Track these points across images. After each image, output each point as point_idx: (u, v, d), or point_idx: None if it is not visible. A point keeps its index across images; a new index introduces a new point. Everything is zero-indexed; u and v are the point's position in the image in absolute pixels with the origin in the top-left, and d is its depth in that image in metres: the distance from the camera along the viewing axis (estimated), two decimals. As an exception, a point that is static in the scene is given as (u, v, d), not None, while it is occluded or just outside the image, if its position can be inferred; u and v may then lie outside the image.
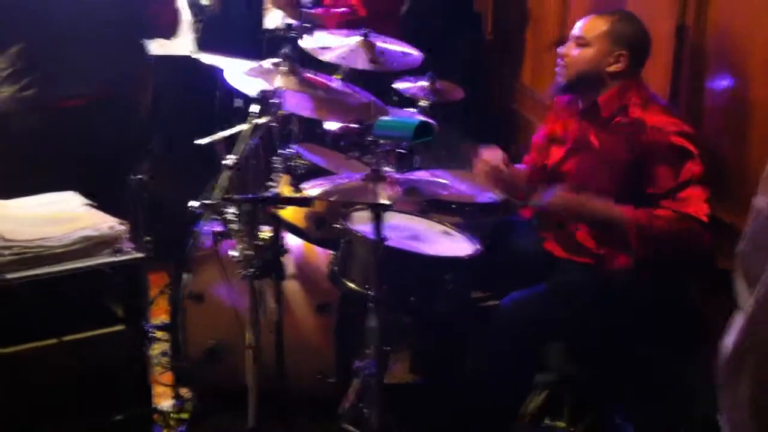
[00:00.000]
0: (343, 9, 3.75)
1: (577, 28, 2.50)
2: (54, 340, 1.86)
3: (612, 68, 2.42)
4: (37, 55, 2.57)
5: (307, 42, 3.00)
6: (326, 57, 2.95)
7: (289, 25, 3.97)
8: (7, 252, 1.79)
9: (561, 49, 2.53)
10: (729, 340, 1.13)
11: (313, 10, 3.69)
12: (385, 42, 3.02)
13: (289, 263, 2.64)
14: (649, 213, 2.29)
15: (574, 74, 2.48)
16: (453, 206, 2.85)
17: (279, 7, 3.96)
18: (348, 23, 3.60)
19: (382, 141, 2.60)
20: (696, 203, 2.26)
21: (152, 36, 2.88)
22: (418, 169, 2.91)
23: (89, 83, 2.62)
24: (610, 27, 2.43)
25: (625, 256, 2.41)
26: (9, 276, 1.77)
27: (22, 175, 2.51)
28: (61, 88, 2.59)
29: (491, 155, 2.59)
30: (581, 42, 2.47)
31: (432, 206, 2.81)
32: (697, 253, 2.31)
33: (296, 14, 3.62)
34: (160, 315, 3.06)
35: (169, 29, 2.91)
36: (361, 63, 2.93)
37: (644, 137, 2.33)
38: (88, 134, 2.59)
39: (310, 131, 3.25)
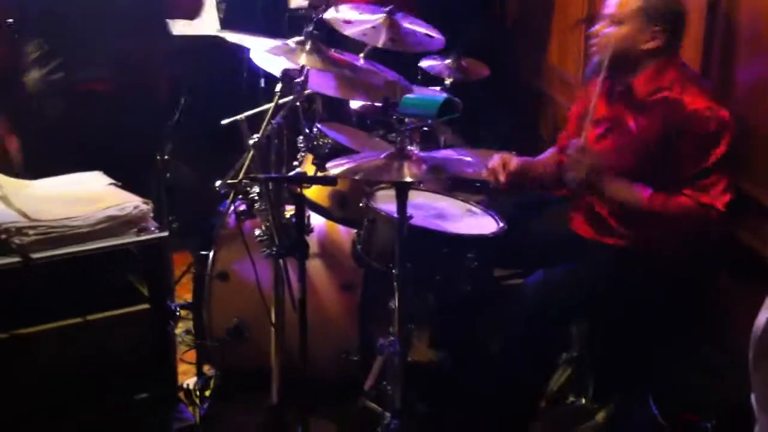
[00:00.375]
0: None
1: (611, 5, 2.44)
2: (79, 320, 1.87)
3: (648, 45, 2.37)
4: (62, 40, 2.59)
5: (330, 15, 2.96)
6: (348, 32, 2.92)
7: (312, 5, 3.96)
8: (32, 231, 1.80)
9: (595, 28, 2.49)
10: (762, 317, 1.11)
11: None
12: (411, 23, 2.98)
13: (312, 242, 2.64)
14: (666, 198, 2.28)
15: (610, 53, 2.42)
16: (477, 185, 2.84)
17: None
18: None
19: (407, 119, 2.59)
20: (715, 191, 2.24)
21: (175, 17, 2.88)
22: (445, 148, 2.90)
23: (114, 66, 2.63)
24: (644, 3, 2.37)
25: (648, 238, 2.38)
26: (34, 255, 1.79)
27: (51, 156, 2.53)
28: (87, 72, 2.61)
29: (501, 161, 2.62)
30: (615, 19, 2.42)
31: (456, 185, 2.80)
32: (711, 239, 2.31)
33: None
34: (184, 294, 3.09)
35: (191, 10, 2.91)
36: (382, 41, 2.88)
37: (678, 118, 2.29)
38: (114, 116, 2.61)
39: (334, 110, 3.24)
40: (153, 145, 2.85)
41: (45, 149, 2.61)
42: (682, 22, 2.41)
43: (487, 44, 4.04)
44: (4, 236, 1.78)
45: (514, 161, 2.63)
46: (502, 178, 2.61)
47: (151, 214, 1.98)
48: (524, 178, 2.66)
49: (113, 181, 2.14)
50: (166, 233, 1.96)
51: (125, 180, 2.19)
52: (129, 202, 1.96)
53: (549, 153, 2.80)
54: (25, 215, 1.85)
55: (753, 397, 1.15)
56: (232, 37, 2.67)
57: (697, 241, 2.34)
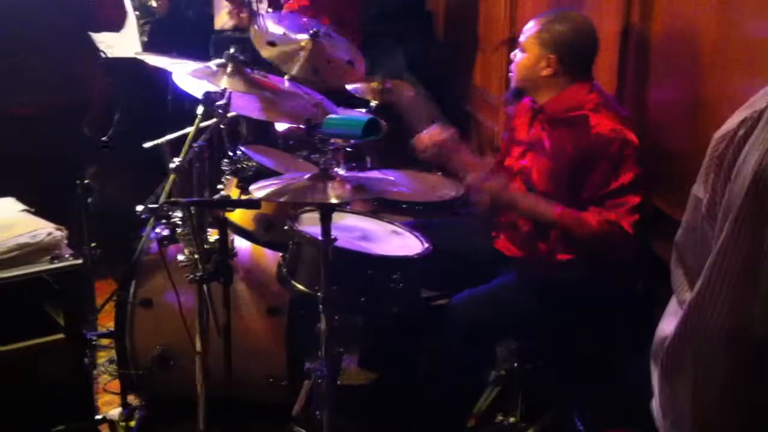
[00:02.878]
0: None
1: (522, 31, 2.51)
2: (-8, 350, 1.80)
3: (544, 72, 2.43)
4: None
5: (254, 34, 2.92)
6: (269, 56, 2.89)
7: (237, 27, 3.94)
8: (-60, 260, 1.73)
9: (512, 54, 2.55)
10: (666, 327, 1.13)
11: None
12: (334, 45, 2.96)
13: (237, 266, 2.61)
14: (575, 216, 2.33)
15: (518, 80, 2.52)
16: (403, 206, 2.85)
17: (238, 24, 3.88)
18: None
19: (331, 140, 2.59)
20: (624, 212, 2.30)
21: (99, 30, 2.83)
22: (370, 169, 2.90)
23: (38, 91, 2.56)
24: (539, 31, 2.44)
25: (563, 253, 2.43)
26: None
27: None
28: (10, 97, 2.53)
29: (436, 130, 2.65)
30: (521, 47, 2.50)
31: (382, 206, 2.81)
32: (621, 256, 2.36)
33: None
34: (108, 322, 3.00)
35: (115, 23, 2.86)
36: (303, 71, 2.85)
37: (584, 140, 2.35)
38: (37, 140, 2.55)
39: (259, 132, 3.22)
40: (74, 169, 2.77)
41: None
42: (581, 47, 2.44)
43: (419, 64, 4.10)
44: None
45: (447, 133, 2.67)
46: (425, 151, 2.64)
47: (66, 241, 1.92)
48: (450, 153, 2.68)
49: (26, 208, 2.08)
50: (80, 260, 1.91)
51: (48, 205, 2.13)
52: (42, 229, 1.91)
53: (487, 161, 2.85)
54: (-68, 244, 1.78)
55: (655, 403, 1.18)
56: (153, 59, 2.63)
57: (608, 257, 2.38)
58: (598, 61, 2.51)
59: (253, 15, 3.50)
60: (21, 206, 2.09)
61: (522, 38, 2.49)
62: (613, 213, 2.29)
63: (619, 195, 2.30)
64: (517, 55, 2.50)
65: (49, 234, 1.89)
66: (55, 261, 1.87)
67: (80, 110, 2.76)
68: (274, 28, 2.90)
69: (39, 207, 2.11)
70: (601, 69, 2.60)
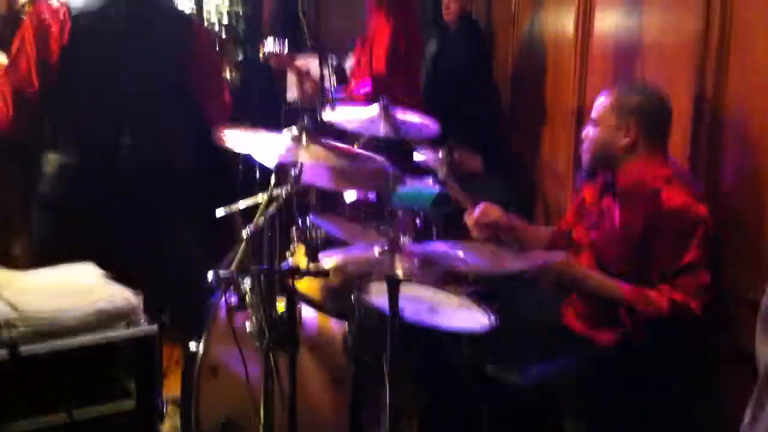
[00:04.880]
0: (365, 90, 3.80)
1: (594, 107, 2.51)
2: (64, 416, 1.83)
3: (624, 142, 2.41)
4: (90, 123, 2.62)
5: (328, 116, 3.00)
6: (345, 125, 2.96)
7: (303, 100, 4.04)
8: (21, 324, 1.78)
9: (584, 131, 2.55)
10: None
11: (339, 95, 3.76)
12: (404, 112, 3.03)
13: (303, 335, 2.61)
14: (644, 294, 2.27)
15: (592, 156, 2.50)
16: (470, 278, 2.83)
17: (307, 94, 3.98)
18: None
19: (400, 211, 2.61)
20: (693, 291, 2.24)
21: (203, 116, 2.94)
22: (437, 239, 2.90)
23: (140, 151, 2.66)
24: (613, 101, 2.43)
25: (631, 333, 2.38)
26: (23, 348, 1.76)
27: (56, 239, 2.55)
28: (109, 155, 2.63)
29: (484, 209, 2.64)
30: (593, 122, 2.49)
31: (449, 278, 2.79)
32: (688, 337, 2.32)
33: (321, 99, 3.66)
34: (172, 388, 3.02)
35: (217, 120, 2.96)
36: (384, 131, 2.90)
37: (656, 214, 2.31)
38: (123, 204, 2.63)
39: (328, 201, 3.26)
40: (156, 234, 2.85)
41: (51, 233, 2.62)
42: (658, 117, 2.43)
43: (485, 133, 4.13)
44: (-8, 329, 1.76)
45: (497, 212, 2.65)
46: (476, 230, 2.65)
47: (141, 307, 1.96)
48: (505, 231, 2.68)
49: (104, 273, 2.13)
50: (155, 326, 1.94)
51: (125, 270, 2.17)
52: (119, 295, 1.95)
53: (545, 229, 2.82)
54: (14, 307, 1.83)
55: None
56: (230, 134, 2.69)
57: (674, 337, 2.32)
58: (672, 139, 2.49)
59: (320, 88, 3.59)
60: (99, 271, 2.14)
61: (595, 113, 2.48)
62: (681, 292, 2.24)
63: (689, 272, 2.25)
64: (591, 131, 2.49)
65: (126, 299, 1.93)
66: (131, 326, 1.91)
67: (168, 177, 2.84)
68: (345, 110, 2.99)
69: (117, 272, 2.15)
70: (673, 141, 2.57)
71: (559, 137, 3.93)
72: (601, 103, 2.47)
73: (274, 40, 3.90)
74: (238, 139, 2.65)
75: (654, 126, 2.42)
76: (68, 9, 2.53)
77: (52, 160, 2.64)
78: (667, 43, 2.83)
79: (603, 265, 2.44)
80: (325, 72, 3.63)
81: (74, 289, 1.99)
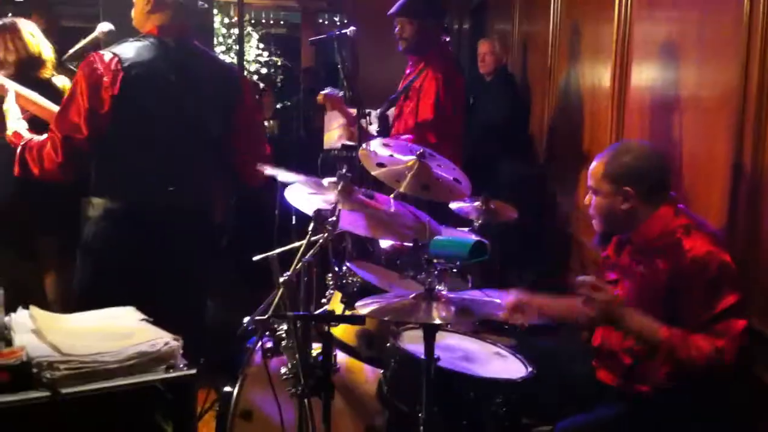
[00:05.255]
0: (407, 136, 3.85)
1: (589, 175, 2.52)
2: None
3: (624, 207, 2.41)
4: (137, 171, 2.69)
5: (363, 153, 3.02)
6: (378, 174, 2.98)
7: (345, 146, 4.09)
8: (63, 366, 1.81)
9: (586, 200, 2.56)
10: None
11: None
12: (439, 166, 3.03)
13: (338, 382, 2.61)
14: (684, 337, 2.24)
15: (601, 223, 2.51)
16: (506, 327, 2.82)
17: (349, 139, 4.04)
18: None
19: (436, 260, 2.62)
20: (730, 338, 2.21)
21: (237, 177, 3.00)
22: (472, 288, 2.90)
23: (183, 199, 2.71)
24: (605, 169, 2.44)
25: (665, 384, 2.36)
26: (64, 390, 1.79)
27: (97, 286, 2.60)
28: (153, 203, 2.69)
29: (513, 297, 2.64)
30: (592, 190, 2.51)
31: (484, 326, 2.79)
32: (721, 381, 2.28)
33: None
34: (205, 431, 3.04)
35: (253, 181, 3.02)
36: (412, 188, 2.90)
37: (682, 265, 2.29)
38: (170, 246, 2.68)
39: (363, 249, 3.29)
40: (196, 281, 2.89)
41: (94, 276, 2.69)
42: (652, 176, 2.42)
43: (517, 186, 4.14)
44: (35, 370, 1.79)
45: (534, 302, 2.65)
46: (522, 320, 2.62)
47: (181, 351, 1.98)
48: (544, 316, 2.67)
49: (145, 317, 2.16)
50: (194, 371, 1.96)
51: (159, 313, 2.20)
52: (159, 339, 1.97)
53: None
54: (57, 349, 1.86)
55: None
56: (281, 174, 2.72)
57: (708, 383, 2.29)
58: (709, 195, 2.47)
59: (364, 133, 3.64)
60: (140, 315, 2.18)
61: (591, 181, 2.50)
62: (720, 339, 2.21)
63: (723, 320, 2.22)
64: (592, 199, 2.50)
65: (167, 344, 1.95)
66: (171, 371, 1.93)
67: (207, 226, 2.89)
68: (382, 151, 3.00)
69: (154, 317, 2.19)
70: (711, 198, 2.56)
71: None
72: (594, 170, 2.48)
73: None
74: (277, 186, 2.71)
75: (649, 186, 2.41)
76: (120, 60, 2.61)
77: (97, 205, 2.70)
78: (704, 97, 2.84)
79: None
80: (362, 123, 3.69)
81: (115, 333, 2.02)
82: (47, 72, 3.49)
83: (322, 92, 4.04)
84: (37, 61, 3.48)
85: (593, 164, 2.50)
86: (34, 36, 3.53)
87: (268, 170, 2.61)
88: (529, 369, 2.39)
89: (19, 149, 2.69)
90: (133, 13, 2.84)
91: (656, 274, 2.36)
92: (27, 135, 2.75)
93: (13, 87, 2.90)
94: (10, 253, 3.68)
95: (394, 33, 4.07)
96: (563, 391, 2.55)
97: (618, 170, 2.42)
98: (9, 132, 2.77)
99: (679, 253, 2.30)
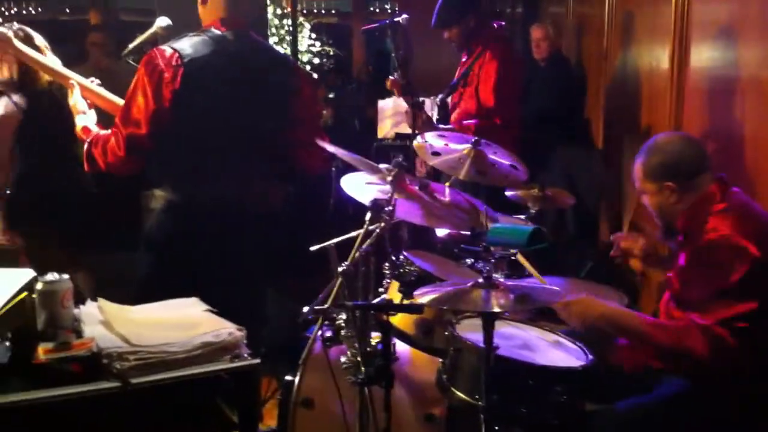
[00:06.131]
0: (471, 122, 3.86)
1: (634, 179, 2.54)
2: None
3: (672, 200, 2.42)
4: (199, 165, 2.75)
5: (418, 144, 3.03)
6: (434, 163, 2.98)
7: (399, 134, 4.11)
8: (132, 357, 1.86)
9: (641, 201, 2.58)
10: None
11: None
12: (495, 153, 3.03)
13: (397, 370, 2.63)
14: (662, 327, 2.32)
15: (660, 219, 2.52)
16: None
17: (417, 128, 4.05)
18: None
19: (494, 248, 2.62)
20: (723, 318, 2.18)
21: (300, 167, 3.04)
22: (528, 276, 2.89)
23: (242, 190, 2.76)
24: (643, 169, 2.46)
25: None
26: (133, 380, 1.84)
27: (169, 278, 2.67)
28: (218, 192, 2.74)
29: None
30: (640, 191, 2.53)
31: (542, 314, 2.78)
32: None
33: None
34: (268, 421, 3.09)
35: (315, 170, 3.06)
36: (467, 174, 2.91)
37: (699, 243, 2.32)
38: (230, 237, 2.73)
39: (419, 237, 3.30)
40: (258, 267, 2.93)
41: (156, 267, 2.75)
42: (685, 166, 2.41)
43: (573, 172, 4.10)
44: (106, 361, 1.85)
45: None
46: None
47: (245, 341, 2.02)
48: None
49: (209, 308, 2.21)
50: (258, 360, 1.99)
51: (228, 305, 2.25)
52: (224, 329, 2.01)
53: None
54: (126, 340, 1.92)
55: None
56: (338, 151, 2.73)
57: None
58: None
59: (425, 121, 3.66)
60: (204, 306, 2.22)
61: (636, 184, 2.51)
62: (709, 319, 2.20)
63: (722, 300, 2.20)
64: (644, 199, 2.52)
65: (231, 334, 1.99)
66: (235, 360, 1.97)
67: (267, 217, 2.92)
68: (436, 141, 3.00)
69: (217, 307, 2.23)
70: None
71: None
72: (635, 173, 2.51)
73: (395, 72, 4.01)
74: (333, 176, 2.74)
75: (687, 175, 2.41)
76: (180, 55, 2.65)
77: (159, 197, 2.75)
78: (766, 78, 2.77)
79: (677, 299, 2.44)
80: (415, 111, 3.70)
81: (181, 323, 2.07)
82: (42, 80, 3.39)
83: (390, 77, 4.05)
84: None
85: (634, 167, 2.52)
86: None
87: (330, 147, 2.63)
88: (590, 357, 2.38)
89: (86, 145, 2.75)
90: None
91: (686, 257, 2.38)
92: (95, 129, 2.80)
93: (78, 80, 2.95)
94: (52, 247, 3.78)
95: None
96: (620, 376, 2.53)
97: (654, 168, 2.44)
98: (78, 128, 2.82)
99: (701, 233, 2.31)
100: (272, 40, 6.77)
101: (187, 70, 2.62)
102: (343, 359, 2.30)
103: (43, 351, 1.86)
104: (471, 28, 4.02)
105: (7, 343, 1.91)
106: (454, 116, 4.06)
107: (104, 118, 2.92)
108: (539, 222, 3.07)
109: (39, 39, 3.29)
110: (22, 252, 3.75)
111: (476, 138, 3.00)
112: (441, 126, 3.90)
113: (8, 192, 3.66)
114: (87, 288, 3.66)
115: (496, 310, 2.09)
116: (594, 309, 2.42)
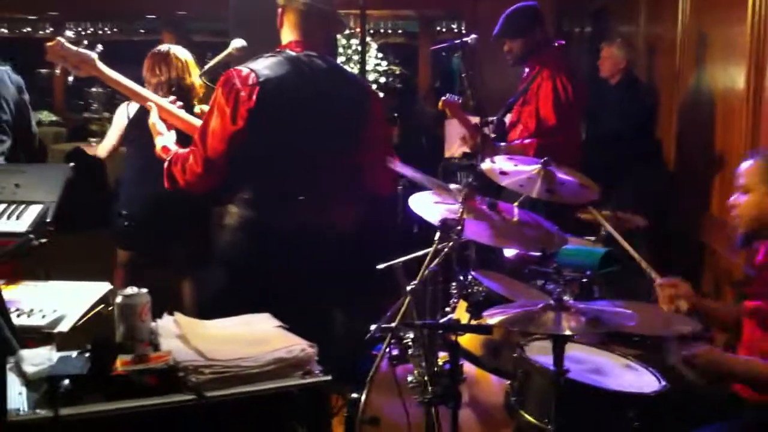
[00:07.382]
0: (530, 140, 3.84)
1: (739, 174, 2.45)
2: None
3: None
4: (274, 183, 2.80)
5: (487, 166, 3.02)
6: (504, 182, 2.97)
7: (466, 154, 4.10)
8: (208, 370, 1.89)
9: (731, 199, 2.49)
10: None
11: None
12: (564, 172, 3.00)
13: (464, 391, 2.62)
14: None
15: (747, 223, 2.43)
16: (635, 338, 2.75)
17: (473, 148, 4.05)
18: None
19: (565, 270, 2.59)
20: None
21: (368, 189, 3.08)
22: (598, 299, 2.85)
23: (315, 209, 2.80)
24: (760, 170, 2.38)
25: None
26: (208, 394, 1.87)
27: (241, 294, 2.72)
28: (291, 211, 2.78)
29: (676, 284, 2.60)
30: (743, 189, 2.42)
31: (612, 338, 2.73)
32: None
33: (492, 151, 3.70)
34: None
35: (384, 191, 3.10)
36: (538, 192, 2.89)
37: None
38: (301, 256, 2.76)
39: (486, 257, 3.28)
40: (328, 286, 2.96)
41: (229, 283, 2.80)
42: None
43: (649, 192, 4.03)
44: (182, 374, 1.88)
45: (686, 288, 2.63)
46: (683, 305, 2.58)
47: (316, 358, 2.04)
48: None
49: (280, 324, 2.23)
50: (329, 377, 2.01)
51: (293, 318, 2.27)
52: (296, 345, 2.03)
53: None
54: (201, 354, 1.95)
55: None
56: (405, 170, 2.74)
57: None
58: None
59: (487, 141, 3.65)
60: (276, 322, 2.25)
61: (744, 180, 2.42)
62: None
63: None
64: (741, 199, 2.42)
65: (303, 350, 2.01)
66: (307, 377, 1.98)
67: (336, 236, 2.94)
68: (504, 163, 3.00)
69: (290, 324, 2.25)
70: None
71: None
72: (749, 169, 2.42)
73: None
74: (400, 195, 2.75)
75: None
76: (256, 74, 2.71)
77: (233, 214, 2.81)
78: None
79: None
80: (486, 131, 3.70)
81: (254, 339, 2.09)
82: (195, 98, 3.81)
83: (443, 98, 4.06)
84: (186, 87, 3.79)
85: (746, 164, 2.44)
86: (181, 61, 3.81)
87: (401, 167, 2.64)
88: (663, 383, 2.33)
89: (166, 163, 2.82)
90: None
91: None
92: (173, 148, 2.88)
93: (156, 101, 3.04)
94: (146, 261, 3.91)
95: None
96: (697, 403, 2.47)
97: None
98: (157, 147, 2.91)
99: None
100: (339, 59, 6.86)
101: (262, 90, 2.67)
102: (409, 378, 2.30)
103: (121, 363, 1.90)
104: (535, 42, 4.00)
105: (87, 355, 1.96)
106: (513, 135, 4.04)
107: (182, 138, 3.00)
108: (609, 244, 3.03)
109: None
110: (120, 268, 3.93)
111: (546, 158, 2.98)
112: (501, 144, 3.88)
113: (124, 212, 3.84)
114: (189, 305, 3.81)
115: (568, 333, 2.07)
116: (720, 366, 2.34)
